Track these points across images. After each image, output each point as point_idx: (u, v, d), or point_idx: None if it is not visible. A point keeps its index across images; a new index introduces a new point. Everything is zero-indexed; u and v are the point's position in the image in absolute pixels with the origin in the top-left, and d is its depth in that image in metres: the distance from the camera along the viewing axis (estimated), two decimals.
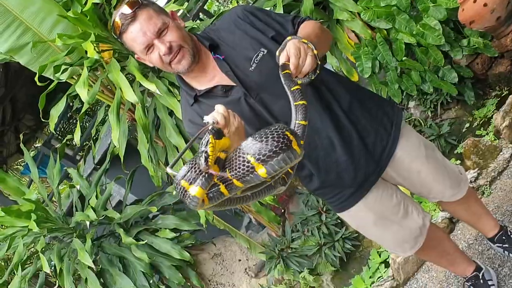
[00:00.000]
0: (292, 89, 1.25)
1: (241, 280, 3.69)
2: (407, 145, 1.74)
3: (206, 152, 1.04)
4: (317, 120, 1.58)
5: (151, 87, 2.71)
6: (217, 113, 1.27)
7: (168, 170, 1.09)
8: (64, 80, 3.06)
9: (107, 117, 3.09)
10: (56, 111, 2.96)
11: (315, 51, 1.36)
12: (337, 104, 1.62)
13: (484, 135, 3.12)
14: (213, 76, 1.58)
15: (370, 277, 3.25)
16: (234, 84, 1.55)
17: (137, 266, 3.20)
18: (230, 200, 1.15)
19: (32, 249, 3.35)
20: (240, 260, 3.74)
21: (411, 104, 3.62)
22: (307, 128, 1.24)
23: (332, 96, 1.63)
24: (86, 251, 2.96)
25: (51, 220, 3.26)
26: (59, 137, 7.75)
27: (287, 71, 1.29)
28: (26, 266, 3.29)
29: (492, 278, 2.19)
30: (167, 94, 2.91)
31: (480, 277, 2.15)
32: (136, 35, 1.48)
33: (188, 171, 1.06)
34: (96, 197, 3.32)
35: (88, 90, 2.93)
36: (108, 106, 3.24)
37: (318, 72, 1.38)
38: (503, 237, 2.21)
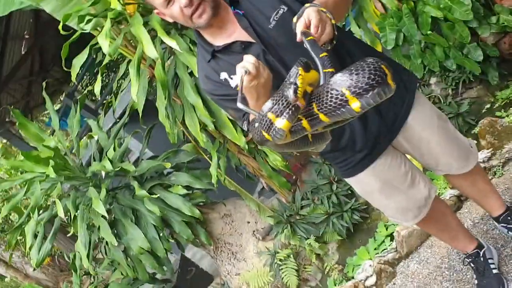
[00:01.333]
0: (320, 55, 1.22)
1: (249, 242, 3.77)
2: (420, 113, 1.75)
3: (295, 83, 1.02)
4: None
5: (172, 43, 2.73)
6: (248, 63, 1.27)
7: (239, 105, 1.10)
8: (88, 31, 3.10)
9: (128, 72, 3.14)
10: (78, 61, 3.01)
11: (333, 21, 1.34)
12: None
13: (504, 117, 3.07)
14: (232, 32, 1.57)
15: (375, 249, 3.29)
16: (253, 41, 1.55)
17: (148, 219, 3.30)
18: (295, 143, 1.15)
19: (49, 196, 3.46)
20: (249, 223, 3.82)
21: (433, 80, 3.57)
22: None
23: (352, 61, 1.62)
24: (100, 200, 3.06)
25: (69, 169, 3.37)
26: (84, 90, 7.89)
27: (311, 37, 1.27)
28: (42, 211, 3.41)
29: (493, 257, 2.21)
30: (187, 52, 2.93)
31: (481, 255, 2.16)
32: None
33: (275, 103, 1.05)
34: (114, 149, 3.40)
35: (110, 42, 2.97)
36: (130, 60, 3.28)
37: (334, 42, 1.36)
38: (509, 217, 2.20)
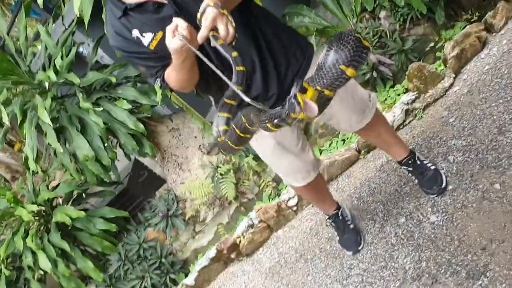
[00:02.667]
0: (232, 55, 1.38)
1: (194, 155, 3.99)
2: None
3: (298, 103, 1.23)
4: (245, 45, 1.69)
5: None
6: (182, 28, 1.38)
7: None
8: None
9: None
10: None
11: (233, 22, 1.40)
12: (262, 35, 1.74)
13: (441, 59, 3.18)
14: None
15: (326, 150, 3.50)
16: (165, 2, 1.58)
17: (94, 129, 3.44)
18: None
19: None
20: (196, 137, 4.00)
21: (382, 14, 3.59)
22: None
23: (259, 28, 1.73)
24: (45, 108, 3.17)
25: (16, 73, 3.42)
26: None
27: (220, 41, 1.38)
28: None
29: (348, 215, 2.61)
30: None
31: (339, 215, 2.57)
32: None
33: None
34: (61, 58, 3.43)
35: None
36: None
37: (237, 37, 1.44)
38: (409, 161, 2.44)
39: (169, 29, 1.39)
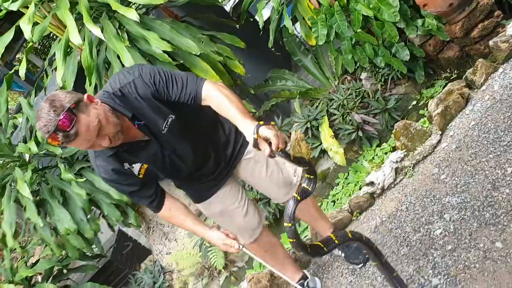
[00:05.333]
0: (292, 158, 1.62)
1: None
2: (251, 149, 2.11)
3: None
4: (203, 140, 2.05)
5: (97, 32, 2.71)
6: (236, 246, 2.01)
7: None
8: (16, 10, 3.02)
9: None
10: (3, 42, 2.95)
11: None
12: (212, 131, 2.12)
13: (426, 116, 3.21)
14: (134, 136, 1.85)
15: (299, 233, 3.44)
16: (149, 138, 1.86)
17: (76, 201, 3.32)
18: None
19: None
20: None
21: (363, 75, 3.67)
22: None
23: (211, 127, 2.10)
24: (25, 181, 3.05)
25: None
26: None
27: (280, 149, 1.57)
28: None
29: (316, 285, 2.64)
30: (115, 38, 2.90)
31: (305, 285, 2.59)
32: (81, 143, 1.65)
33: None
34: None
35: (38, 24, 2.92)
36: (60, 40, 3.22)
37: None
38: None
39: (234, 245, 2.00)
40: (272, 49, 3.79)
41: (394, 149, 3.17)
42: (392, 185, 2.89)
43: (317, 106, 3.72)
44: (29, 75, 5.66)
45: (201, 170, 2.12)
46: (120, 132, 1.74)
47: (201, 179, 2.18)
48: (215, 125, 2.13)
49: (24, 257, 3.86)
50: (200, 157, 2.05)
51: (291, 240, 1.57)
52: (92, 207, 3.52)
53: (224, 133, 2.16)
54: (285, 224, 1.56)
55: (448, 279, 2.13)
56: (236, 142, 2.20)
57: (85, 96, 1.68)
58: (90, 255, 3.79)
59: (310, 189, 1.67)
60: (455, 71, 3.36)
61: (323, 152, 3.63)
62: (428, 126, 2.92)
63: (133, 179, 1.91)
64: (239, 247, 2.00)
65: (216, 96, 1.74)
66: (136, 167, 1.89)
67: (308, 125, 3.60)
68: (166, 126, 1.85)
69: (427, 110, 3.21)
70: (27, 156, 3.27)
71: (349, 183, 3.44)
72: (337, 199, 3.43)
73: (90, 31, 2.91)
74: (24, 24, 2.68)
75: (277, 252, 2.57)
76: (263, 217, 2.44)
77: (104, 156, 1.85)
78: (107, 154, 1.83)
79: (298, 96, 3.87)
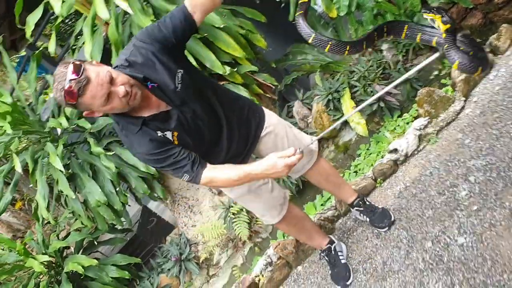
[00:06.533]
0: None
1: (205, 196, 3.95)
2: (269, 124, 2.26)
3: None
4: (213, 103, 2.03)
5: (124, 4, 2.77)
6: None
7: None
8: None
9: None
10: (33, 19, 3.03)
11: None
12: (225, 115, 2.08)
13: (448, 85, 3.23)
14: (154, 103, 1.84)
15: (321, 205, 3.51)
16: (170, 107, 1.86)
17: (105, 174, 3.42)
18: None
19: (8, 149, 3.53)
20: None
21: (384, 46, 3.67)
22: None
23: (224, 111, 2.07)
24: (57, 155, 3.16)
25: (27, 123, 3.44)
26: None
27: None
28: (1, 164, 3.50)
29: (342, 250, 2.73)
30: (140, 12, 2.96)
31: (332, 249, 2.68)
32: (96, 91, 1.63)
33: None
34: None
35: (64, 1, 2.98)
36: (86, 17, 3.28)
37: None
38: (360, 202, 2.69)
39: (291, 151, 1.83)
40: (293, 23, 3.81)
41: (416, 118, 3.20)
42: (416, 152, 2.92)
43: (338, 79, 3.75)
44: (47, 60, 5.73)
45: (219, 143, 2.09)
46: (135, 86, 1.72)
47: (223, 155, 2.13)
48: (231, 106, 2.13)
49: (55, 230, 3.98)
50: (214, 119, 2.02)
51: None
52: (120, 181, 3.62)
53: (236, 108, 2.15)
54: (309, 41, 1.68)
55: (474, 238, 2.17)
56: (253, 116, 2.20)
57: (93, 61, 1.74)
58: (119, 228, 3.90)
59: None
60: (478, 39, 3.36)
61: (345, 123, 3.67)
62: (451, 93, 2.94)
63: (171, 145, 1.87)
64: (298, 150, 1.82)
65: None
66: (169, 134, 1.87)
67: (330, 97, 3.64)
68: (179, 82, 1.82)
69: (449, 79, 3.22)
70: (58, 132, 3.35)
71: (371, 154, 3.47)
72: (359, 169, 3.47)
73: (116, 6, 2.97)
74: (54, 0, 2.75)
75: (305, 225, 2.65)
76: (286, 193, 2.49)
77: (133, 131, 1.84)
78: (136, 130, 1.83)
79: (319, 70, 3.90)
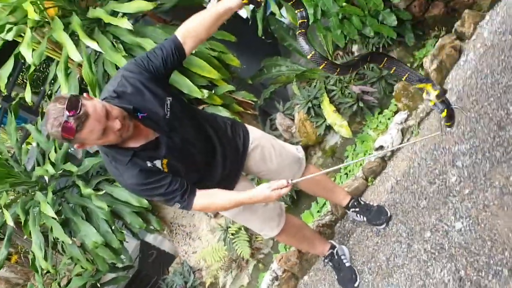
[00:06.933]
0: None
1: (201, 221, 3.95)
2: (254, 139, 2.27)
3: None
4: (204, 126, 2.08)
5: (94, 45, 2.79)
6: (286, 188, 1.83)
7: None
8: (11, 40, 3.09)
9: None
10: (5, 72, 3.02)
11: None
12: (215, 134, 2.12)
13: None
14: (143, 132, 1.85)
15: (318, 211, 3.52)
16: (158, 135, 1.87)
17: (99, 214, 3.39)
18: None
19: None
20: None
21: (355, 47, 3.74)
22: None
23: (213, 130, 2.11)
24: (48, 203, 3.13)
25: (13, 175, 3.41)
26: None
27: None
28: None
29: (345, 253, 2.74)
30: (111, 49, 2.98)
31: (335, 254, 2.70)
32: (94, 127, 1.65)
33: None
34: (55, 151, 3.44)
35: (34, 50, 2.99)
36: (59, 62, 3.29)
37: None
38: (355, 203, 2.73)
39: (283, 182, 1.81)
40: (263, 38, 3.87)
41: (396, 113, 3.25)
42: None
43: (315, 86, 3.80)
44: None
45: (213, 163, 2.11)
46: (127, 118, 1.74)
47: (216, 176, 2.14)
48: (208, 121, 2.16)
49: (56, 279, 3.93)
50: (204, 142, 2.05)
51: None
52: (114, 219, 3.60)
53: (221, 126, 2.18)
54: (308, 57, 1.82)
55: (471, 221, 2.21)
56: (237, 134, 2.23)
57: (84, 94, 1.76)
58: (120, 266, 3.86)
59: None
60: (443, 28, 3.44)
61: (328, 128, 3.71)
62: None
63: (161, 174, 1.87)
64: (290, 182, 1.82)
65: (189, 22, 1.83)
66: (158, 163, 1.87)
67: (310, 104, 3.68)
68: (168, 109, 1.85)
69: (422, 69, 3.29)
70: (46, 179, 3.33)
71: (358, 154, 3.51)
72: (349, 171, 3.50)
73: (86, 47, 2.99)
74: (24, 49, 2.75)
75: (305, 233, 2.65)
76: (282, 205, 2.47)
77: (123, 163, 1.84)
78: (125, 161, 1.83)
79: (295, 80, 3.95)
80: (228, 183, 2.20)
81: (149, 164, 1.86)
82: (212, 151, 2.09)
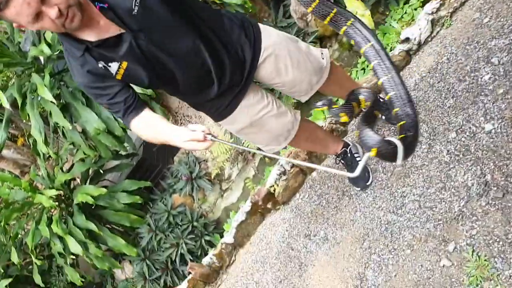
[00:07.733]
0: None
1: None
2: (267, 46, 1.91)
3: None
4: (192, 32, 1.72)
5: None
6: (209, 131, 1.65)
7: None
8: None
9: None
10: None
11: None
12: (214, 39, 1.78)
13: None
14: (103, 26, 1.59)
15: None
16: (123, 31, 1.60)
17: None
18: None
19: None
20: None
21: None
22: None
23: (211, 30, 1.77)
24: (45, 86, 2.95)
25: (7, 55, 3.19)
26: None
27: None
28: None
29: (359, 151, 2.52)
30: None
31: (348, 152, 2.51)
32: (21, 9, 1.40)
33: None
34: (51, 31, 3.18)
35: None
36: None
37: None
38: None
39: (199, 136, 1.62)
40: None
41: (423, 3, 2.94)
42: (429, 39, 2.70)
43: None
44: None
45: (205, 79, 1.83)
46: (76, 7, 1.48)
47: (210, 93, 1.88)
48: (214, 28, 1.80)
49: (58, 164, 3.88)
50: (192, 48, 1.72)
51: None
52: None
53: (225, 28, 1.83)
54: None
55: (503, 123, 2.04)
56: (245, 41, 1.87)
57: None
58: (123, 153, 3.79)
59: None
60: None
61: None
62: None
63: (109, 81, 1.67)
64: (207, 138, 1.64)
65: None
66: (114, 66, 1.64)
67: None
68: (136, 3, 1.57)
69: None
70: (41, 61, 3.11)
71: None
72: (367, 66, 3.28)
73: None
74: None
75: (317, 136, 2.43)
76: (297, 113, 2.16)
77: (74, 56, 1.63)
78: (77, 56, 1.62)
79: None
80: (232, 99, 1.94)
81: (100, 65, 1.64)
82: (203, 64, 1.77)
